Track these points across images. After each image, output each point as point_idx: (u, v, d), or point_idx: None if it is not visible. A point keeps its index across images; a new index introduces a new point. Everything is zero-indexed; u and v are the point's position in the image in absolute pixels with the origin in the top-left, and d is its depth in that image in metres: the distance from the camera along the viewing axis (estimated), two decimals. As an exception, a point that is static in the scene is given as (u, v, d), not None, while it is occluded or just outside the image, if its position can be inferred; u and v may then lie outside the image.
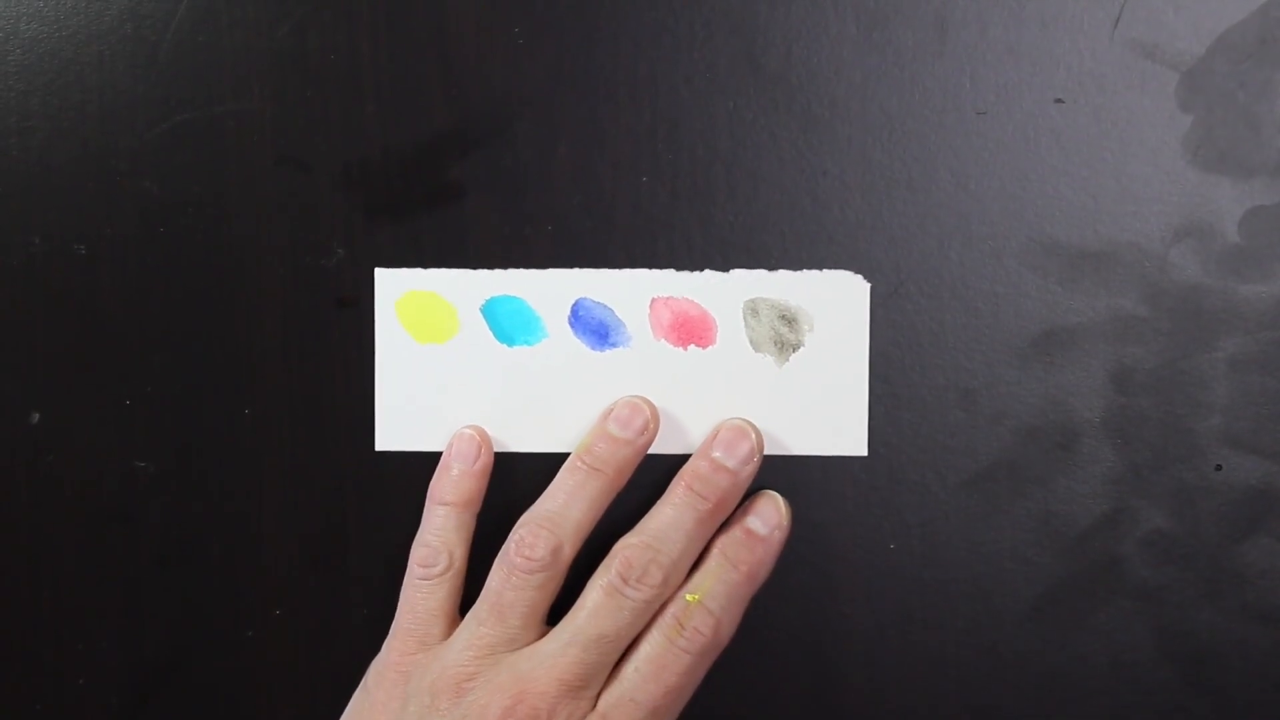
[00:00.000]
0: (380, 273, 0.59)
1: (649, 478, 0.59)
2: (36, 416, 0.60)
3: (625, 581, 0.55)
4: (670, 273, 0.58)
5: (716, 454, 0.58)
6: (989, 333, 0.58)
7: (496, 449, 0.59)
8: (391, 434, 0.59)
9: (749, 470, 0.58)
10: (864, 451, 0.58)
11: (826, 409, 0.58)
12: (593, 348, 0.59)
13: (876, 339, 0.58)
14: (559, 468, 0.58)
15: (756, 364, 0.58)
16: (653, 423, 0.58)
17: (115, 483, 0.60)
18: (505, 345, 0.59)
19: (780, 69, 0.58)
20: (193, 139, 0.59)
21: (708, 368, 0.59)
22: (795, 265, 0.58)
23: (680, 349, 0.59)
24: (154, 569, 0.60)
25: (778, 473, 0.59)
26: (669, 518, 0.57)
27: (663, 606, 0.56)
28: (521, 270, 0.59)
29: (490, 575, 0.57)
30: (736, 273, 0.58)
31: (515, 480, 0.59)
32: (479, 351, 0.59)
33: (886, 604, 0.59)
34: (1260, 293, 0.58)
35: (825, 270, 0.58)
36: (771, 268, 0.58)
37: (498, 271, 0.59)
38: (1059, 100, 0.58)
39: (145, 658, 0.60)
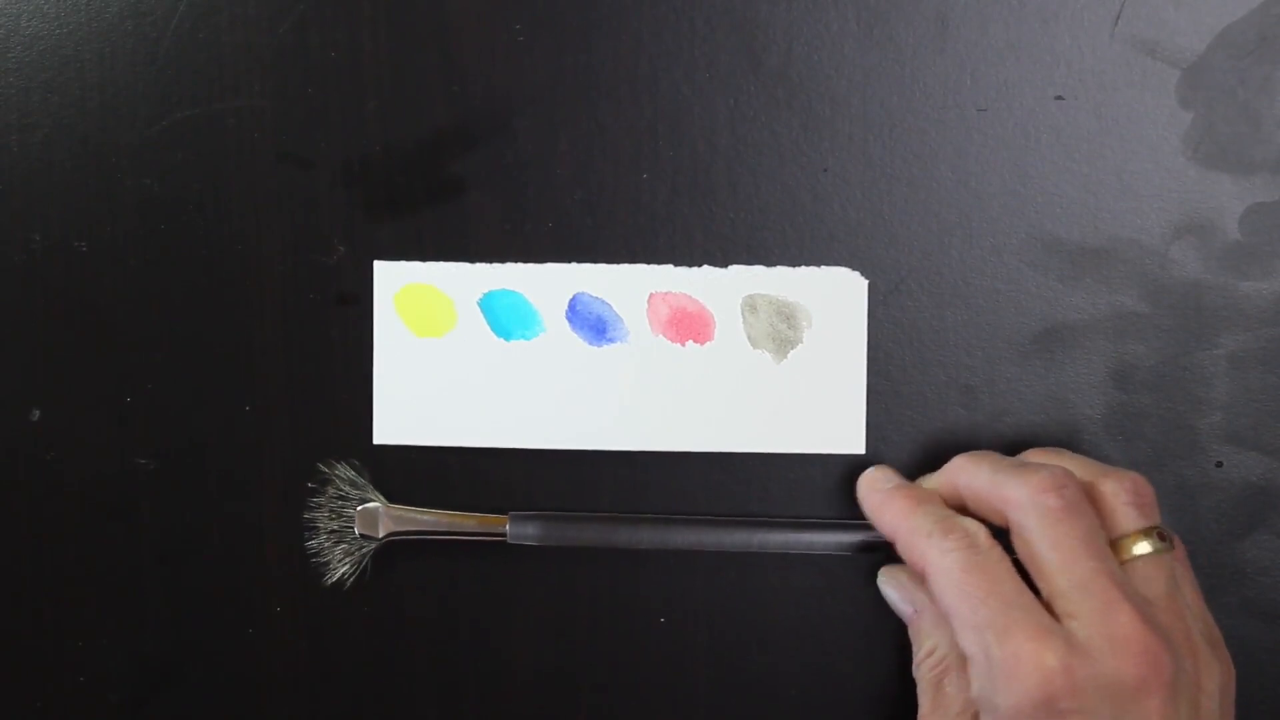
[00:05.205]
0: (379, 265, 0.59)
1: (655, 476, 0.59)
2: (37, 413, 0.60)
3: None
4: (668, 268, 0.58)
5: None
6: (990, 330, 0.58)
7: (492, 444, 0.59)
8: (389, 427, 0.59)
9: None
10: (862, 449, 0.58)
11: (824, 406, 0.58)
12: (590, 343, 0.58)
13: (877, 336, 0.58)
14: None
15: (754, 360, 0.58)
16: None
17: (115, 479, 0.60)
18: (502, 339, 0.59)
19: (781, 66, 0.58)
20: (193, 136, 0.59)
21: (705, 364, 0.58)
22: (795, 262, 0.58)
23: (678, 345, 0.58)
24: (154, 566, 0.60)
25: (776, 471, 0.59)
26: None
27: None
28: (519, 264, 0.59)
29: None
30: (735, 268, 0.58)
31: (510, 476, 0.59)
32: (476, 345, 0.59)
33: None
34: (1261, 289, 0.57)
35: (823, 267, 0.58)
36: (771, 264, 0.58)
37: (495, 265, 0.59)
38: (1059, 97, 0.57)
39: (145, 657, 0.60)
